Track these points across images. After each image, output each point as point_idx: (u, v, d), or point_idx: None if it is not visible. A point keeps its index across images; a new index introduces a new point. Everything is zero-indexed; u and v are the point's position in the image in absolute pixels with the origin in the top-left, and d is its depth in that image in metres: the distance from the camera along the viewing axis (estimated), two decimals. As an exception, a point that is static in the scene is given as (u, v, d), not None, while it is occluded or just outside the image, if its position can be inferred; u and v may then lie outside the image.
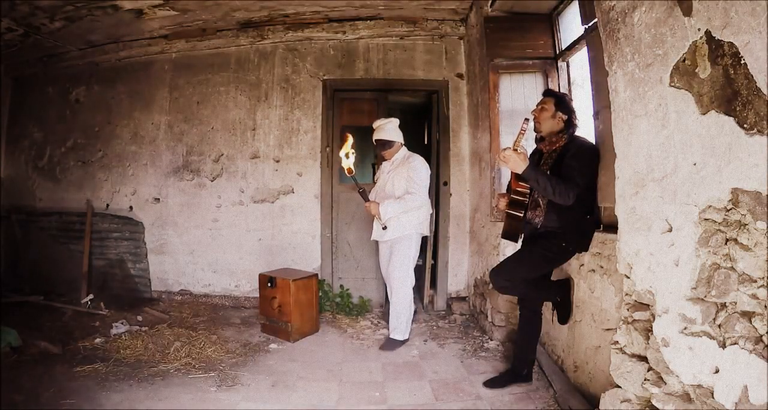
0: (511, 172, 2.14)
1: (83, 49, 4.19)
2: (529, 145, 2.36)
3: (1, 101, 4.50)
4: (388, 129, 3.04)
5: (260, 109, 4.04)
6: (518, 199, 2.13)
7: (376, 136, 3.06)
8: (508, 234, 2.19)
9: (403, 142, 3.12)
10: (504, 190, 2.53)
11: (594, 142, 2.18)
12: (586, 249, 2.08)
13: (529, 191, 2.11)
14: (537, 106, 2.22)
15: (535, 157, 2.25)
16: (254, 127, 4.04)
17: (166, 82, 4.15)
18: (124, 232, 4.16)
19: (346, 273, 3.97)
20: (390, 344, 2.97)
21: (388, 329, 3.07)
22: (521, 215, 2.12)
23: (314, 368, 2.64)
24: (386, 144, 3.05)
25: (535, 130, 2.24)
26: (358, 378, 2.51)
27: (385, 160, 3.14)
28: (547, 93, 2.30)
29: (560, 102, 2.18)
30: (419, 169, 2.98)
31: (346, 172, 2.89)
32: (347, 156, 2.88)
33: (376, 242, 3.26)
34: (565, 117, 2.16)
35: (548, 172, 2.08)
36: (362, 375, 2.55)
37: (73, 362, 2.55)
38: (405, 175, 2.96)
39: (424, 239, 3.44)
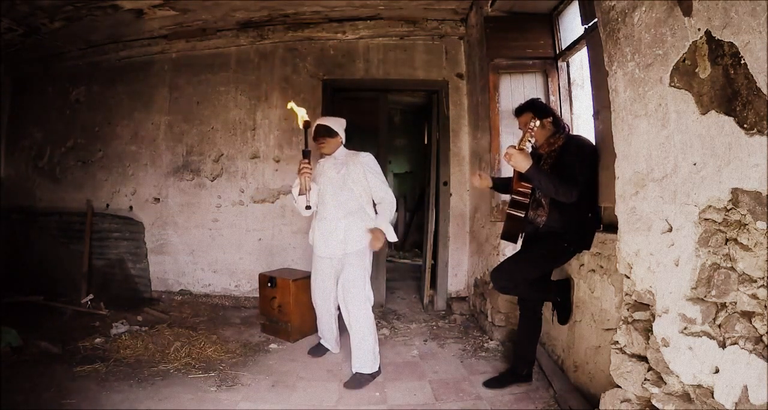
0: (514, 172, 2.14)
1: (83, 49, 4.19)
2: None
3: (1, 101, 4.50)
4: (334, 121, 2.63)
5: (260, 109, 4.04)
6: (519, 200, 2.12)
7: (318, 122, 2.58)
8: (508, 235, 2.18)
9: (344, 142, 2.66)
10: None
11: (593, 142, 2.18)
12: (588, 248, 2.08)
13: (530, 191, 2.11)
14: (525, 127, 2.14)
15: (534, 159, 2.25)
16: (254, 127, 4.04)
17: (166, 82, 4.15)
18: (124, 232, 4.16)
19: (346, 273, 3.96)
20: (357, 380, 2.41)
21: (351, 363, 2.50)
22: (522, 215, 2.12)
23: (314, 368, 2.64)
24: (328, 131, 2.55)
25: (535, 144, 2.24)
26: (358, 378, 2.51)
27: (325, 154, 2.62)
28: (520, 110, 2.25)
29: (536, 109, 2.18)
30: (376, 164, 2.57)
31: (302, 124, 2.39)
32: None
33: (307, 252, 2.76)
34: (550, 119, 2.18)
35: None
36: (362, 375, 2.55)
37: (73, 362, 2.55)
38: (362, 175, 2.51)
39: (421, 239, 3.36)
